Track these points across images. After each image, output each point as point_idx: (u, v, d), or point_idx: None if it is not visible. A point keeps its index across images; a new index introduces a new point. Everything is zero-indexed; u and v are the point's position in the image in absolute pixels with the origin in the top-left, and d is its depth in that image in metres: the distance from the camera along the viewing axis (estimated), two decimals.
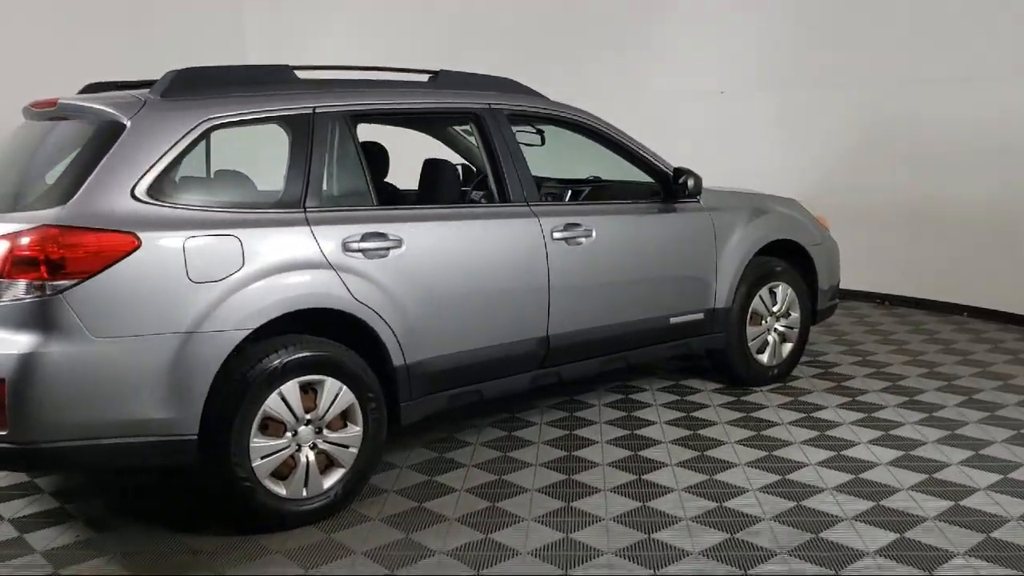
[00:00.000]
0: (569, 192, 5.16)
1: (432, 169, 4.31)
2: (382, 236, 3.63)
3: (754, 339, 5.09)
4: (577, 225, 4.24)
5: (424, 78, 4.20)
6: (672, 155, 8.35)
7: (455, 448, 4.26)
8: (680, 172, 4.60)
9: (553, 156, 5.12)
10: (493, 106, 4.18)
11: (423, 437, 4.37)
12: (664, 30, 8.24)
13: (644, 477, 3.88)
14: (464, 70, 4.30)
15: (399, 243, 3.66)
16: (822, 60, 7.59)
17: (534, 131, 5.01)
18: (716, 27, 8.02)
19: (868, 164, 7.44)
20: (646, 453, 4.17)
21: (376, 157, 4.80)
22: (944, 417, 4.58)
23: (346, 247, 3.53)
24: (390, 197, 4.64)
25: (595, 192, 5.07)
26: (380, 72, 4.11)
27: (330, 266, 3.47)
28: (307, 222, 3.47)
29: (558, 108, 4.45)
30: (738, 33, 7.93)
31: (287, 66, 3.74)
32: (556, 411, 4.74)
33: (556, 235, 4.15)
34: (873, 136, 7.40)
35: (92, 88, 3.93)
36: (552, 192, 5.26)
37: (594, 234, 4.29)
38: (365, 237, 3.58)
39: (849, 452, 4.14)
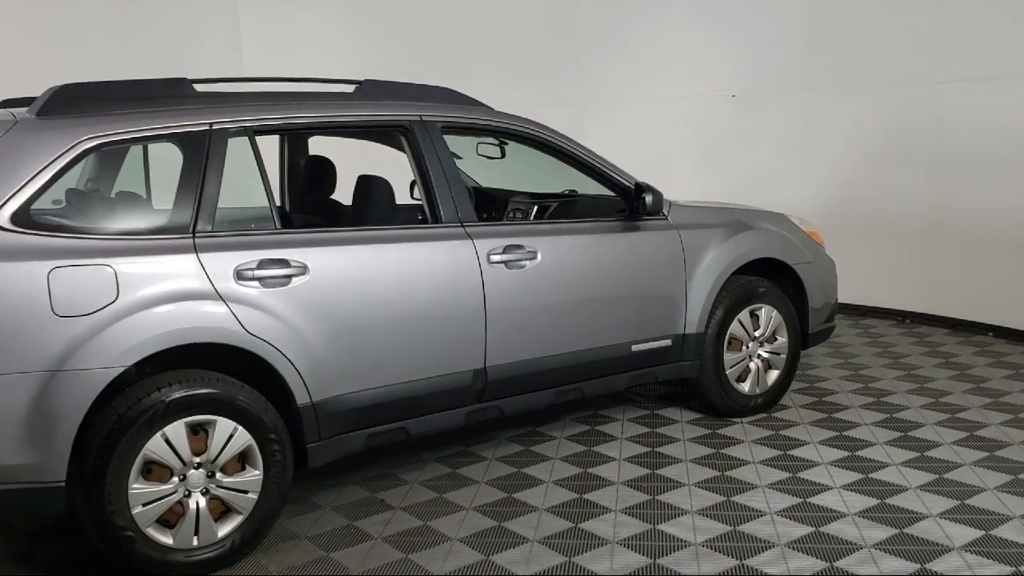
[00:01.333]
0: (535, 208, 4.81)
1: (364, 186, 4.02)
2: (282, 263, 3.33)
3: (733, 366, 4.68)
4: (519, 247, 3.90)
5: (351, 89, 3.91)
6: (679, 164, 8.09)
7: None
8: (639, 188, 4.23)
9: (536, 170, 4.81)
10: (425, 118, 3.86)
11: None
12: (667, 29, 7.83)
13: (580, 525, 3.53)
14: (398, 79, 4.01)
15: (303, 270, 3.36)
16: (838, 60, 7.11)
17: (496, 143, 4.70)
18: (725, 26, 7.59)
19: (888, 172, 6.94)
20: (591, 496, 3.80)
21: (319, 173, 4.54)
22: (936, 458, 4.12)
23: (240, 275, 3.25)
24: (330, 217, 4.36)
25: (561, 208, 4.71)
26: (304, 83, 3.82)
27: (219, 296, 3.19)
28: (195, 248, 3.20)
29: (503, 120, 4.11)
30: (749, 32, 7.48)
31: (184, 79, 3.48)
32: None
33: (494, 258, 3.81)
34: (893, 142, 6.89)
35: (5, 104, 3.72)
36: (519, 208, 4.94)
37: (539, 256, 3.94)
38: (263, 264, 3.29)
39: (818, 499, 3.72)
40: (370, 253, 3.57)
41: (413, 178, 4.90)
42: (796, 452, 4.25)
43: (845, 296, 7.31)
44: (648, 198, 4.18)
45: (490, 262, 3.80)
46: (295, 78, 3.81)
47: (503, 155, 4.78)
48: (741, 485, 3.88)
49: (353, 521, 3.64)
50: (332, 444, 3.50)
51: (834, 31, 7.08)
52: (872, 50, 6.88)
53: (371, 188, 3.99)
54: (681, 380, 4.68)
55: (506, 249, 3.86)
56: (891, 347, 6.22)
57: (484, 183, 5.30)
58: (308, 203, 4.63)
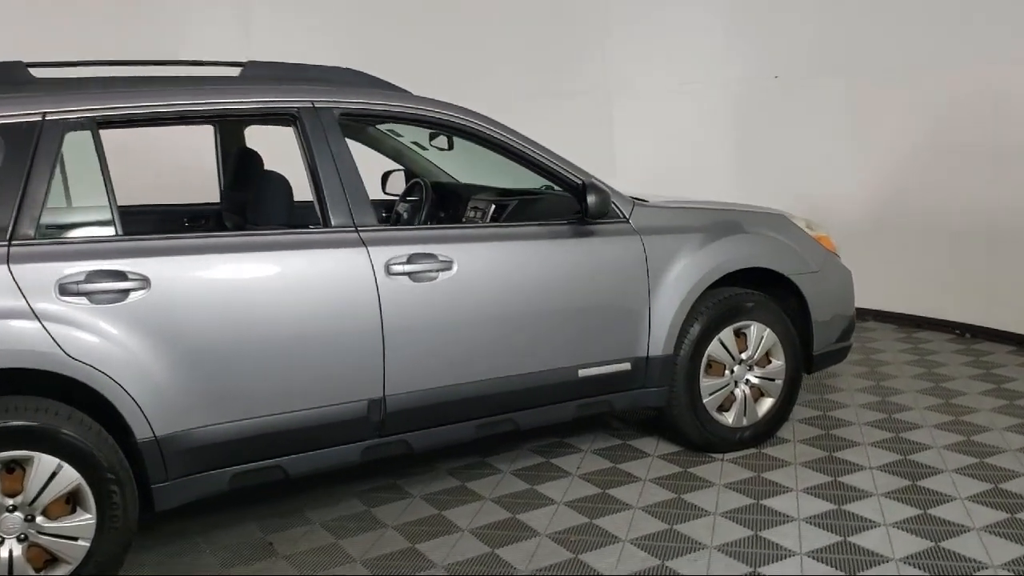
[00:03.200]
0: (492, 207, 4.23)
1: (261, 184, 3.53)
2: (118, 275, 2.87)
3: (713, 394, 4.00)
4: (428, 256, 3.34)
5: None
6: (712, 156, 7.29)
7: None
8: (583, 187, 3.60)
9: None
10: (318, 104, 3.33)
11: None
12: (699, 7, 7.08)
13: None
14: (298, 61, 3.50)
15: (144, 283, 2.89)
16: (888, 38, 6.24)
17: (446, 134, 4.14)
18: (763, 2, 6.79)
19: (943, 165, 6.05)
20: (502, 552, 3.23)
21: (246, 168, 4.07)
22: (939, 518, 3.36)
23: (63, 290, 2.80)
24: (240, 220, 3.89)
25: (520, 208, 4.10)
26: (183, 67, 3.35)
27: (34, 315, 2.75)
28: (7, 259, 2.76)
29: (421, 106, 3.53)
30: (790, 9, 6.67)
31: (19, 62, 3.05)
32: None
33: (395, 269, 3.27)
34: (950, 131, 6.00)
35: None
36: (479, 207, 4.36)
37: (456, 266, 3.37)
38: (91, 277, 2.84)
39: (773, 569, 3.04)
40: (230, 263, 3.07)
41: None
42: (771, 502, 3.56)
43: (897, 305, 6.48)
44: (592, 199, 3.55)
45: (389, 273, 3.26)
46: (170, 61, 3.35)
47: (451, 146, 4.24)
48: (686, 544, 3.23)
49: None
50: (185, 484, 3.03)
51: (882, 6, 6.21)
52: (926, 29, 5.99)
53: (265, 186, 3.50)
54: (655, 409, 4.04)
55: (411, 258, 3.30)
56: (937, 367, 5.37)
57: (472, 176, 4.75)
58: (233, 203, 4.18)
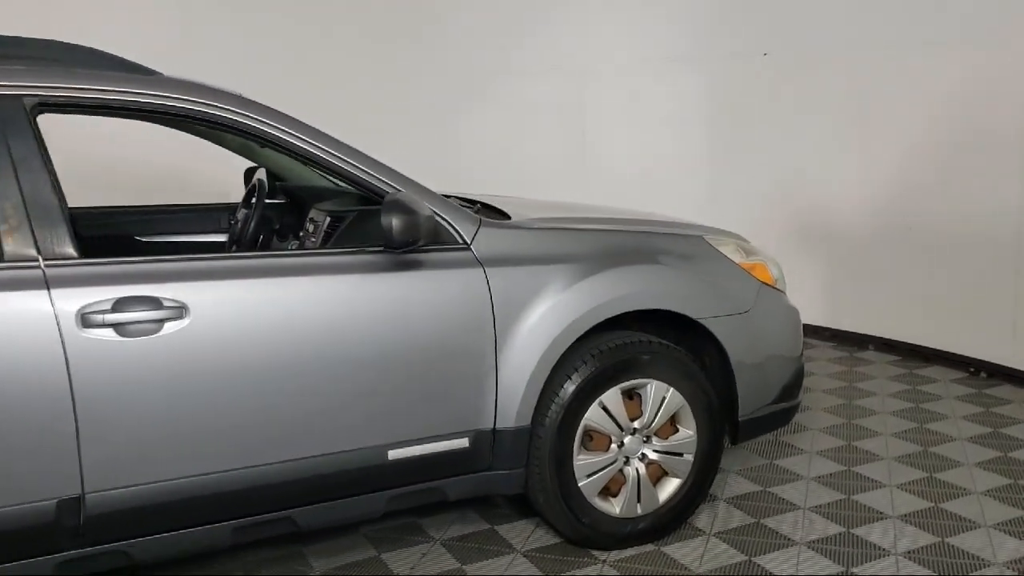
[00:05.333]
0: (327, 222, 3.28)
1: None
2: None
3: (592, 475, 3.02)
4: (148, 300, 2.41)
5: None
6: (693, 147, 6.19)
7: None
8: (384, 205, 2.62)
9: None
10: None
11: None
12: None
13: None
14: None
15: None
16: (900, 7, 5.12)
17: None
18: None
19: (966, 162, 4.93)
20: None
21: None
22: None
23: None
24: None
25: (356, 225, 3.14)
26: None
27: None
28: None
29: (163, 92, 2.57)
30: None
31: None
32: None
33: (94, 319, 2.35)
34: (975, 119, 4.88)
35: None
36: (315, 220, 3.41)
37: (190, 315, 2.44)
38: None
39: None
40: None
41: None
42: None
43: (902, 332, 5.38)
44: (391, 221, 2.57)
45: (85, 325, 2.34)
46: None
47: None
48: None
49: None
50: None
51: None
52: None
53: None
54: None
55: (119, 304, 2.38)
56: (934, 419, 4.28)
57: None
58: None
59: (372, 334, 2.66)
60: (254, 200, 3.62)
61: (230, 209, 3.97)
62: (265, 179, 3.76)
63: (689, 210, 5.49)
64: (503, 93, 6.54)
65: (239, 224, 3.67)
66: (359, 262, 2.69)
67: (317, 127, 2.73)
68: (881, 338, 5.51)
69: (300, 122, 2.69)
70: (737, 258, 3.29)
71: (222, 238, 3.94)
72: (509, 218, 3.08)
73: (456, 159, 6.32)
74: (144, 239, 3.91)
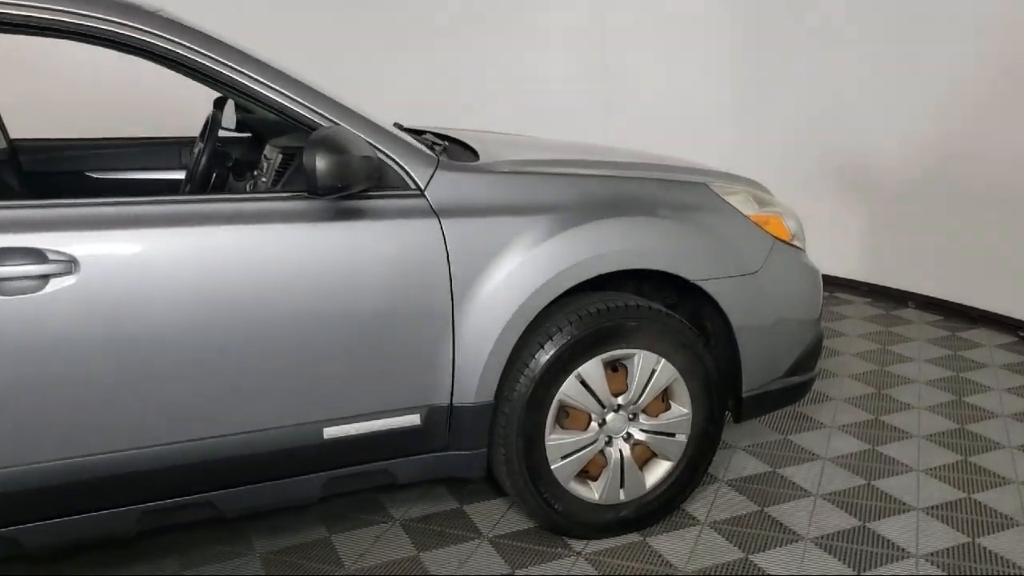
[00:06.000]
0: (279, 159, 2.89)
1: None
2: None
3: (567, 457, 2.64)
4: (30, 253, 2.05)
5: None
6: (720, 80, 5.63)
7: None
8: (313, 142, 2.20)
9: None
10: None
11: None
12: None
13: None
14: None
15: None
16: None
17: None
18: None
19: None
20: None
21: None
22: None
23: None
24: None
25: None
26: None
27: None
28: None
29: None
30: None
31: None
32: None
33: None
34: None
35: None
36: (269, 159, 3.02)
37: (80, 270, 2.08)
38: None
39: None
40: None
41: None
42: None
43: (949, 292, 4.86)
44: (317, 164, 2.15)
45: None
46: None
47: (234, 126, 3.18)
48: None
49: None
50: None
51: None
52: None
53: None
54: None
55: None
56: (975, 391, 3.81)
57: None
58: None
59: (300, 295, 2.27)
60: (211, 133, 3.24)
61: (192, 143, 3.59)
62: (227, 111, 3.36)
63: (716, 147, 5.03)
64: (512, 19, 6.01)
65: (192, 161, 3.30)
66: (286, 210, 2.29)
67: (241, 47, 2.31)
68: (922, 295, 5.02)
69: (213, 39, 2.27)
70: (747, 209, 2.84)
71: (181, 175, 3.58)
72: (475, 160, 2.65)
73: (456, 94, 5.81)
74: (96, 175, 3.56)
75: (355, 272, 2.32)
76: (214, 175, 3.25)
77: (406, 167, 2.40)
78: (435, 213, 2.40)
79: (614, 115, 5.92)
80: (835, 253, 5.20)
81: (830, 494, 2.98)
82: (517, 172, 2.58)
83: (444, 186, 2.43)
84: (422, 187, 2.41)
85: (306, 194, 2.24)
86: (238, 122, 3.40)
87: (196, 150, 3.34)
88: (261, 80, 2.27)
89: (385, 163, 2.36)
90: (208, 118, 3.33)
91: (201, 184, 3.20)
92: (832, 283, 5.37)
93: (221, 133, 3.41)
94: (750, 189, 2.95)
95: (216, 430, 2.26)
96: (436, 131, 3.21)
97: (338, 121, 2.33)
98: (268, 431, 2.31)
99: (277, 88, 2.29)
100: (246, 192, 3.13)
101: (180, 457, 2.24)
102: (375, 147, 2.34)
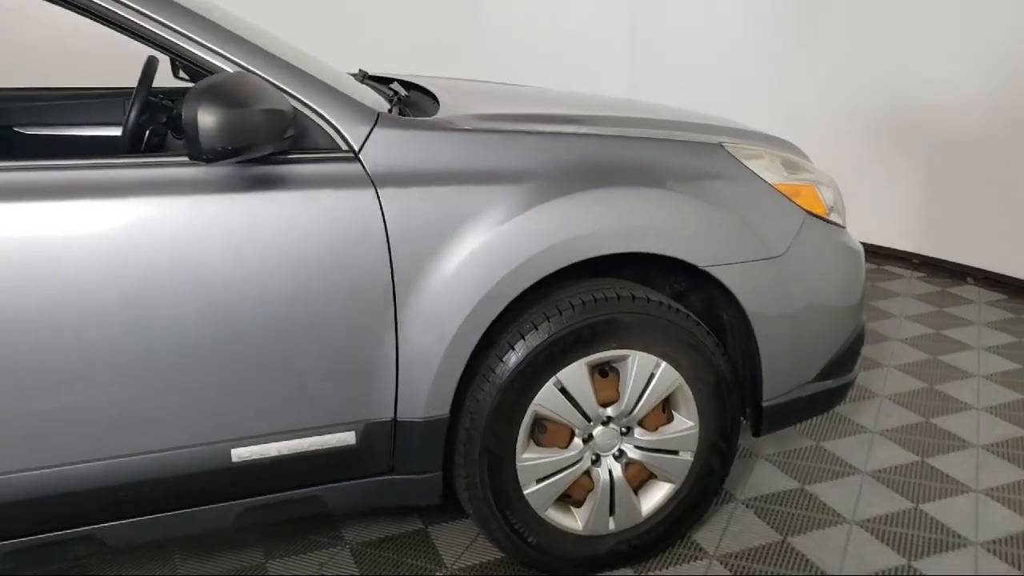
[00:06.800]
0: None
1: None
2: None
3: (543, 480, 2.16)
4: None
5: None
6: (763, 38, 4.99)
7: None
8: (194, 94, 1.70)
9: None
10: None
11: None
12: None
13: None
14: None
15: None
16: None
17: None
18: None
19: None
20: None
21: None
22: None
23: None
24: None
25: None
26: None
27: None
28: None
29: None
30: None
31: None
32: None
33: None
34: None
35: None
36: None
37: None
38: None
39: None
40: None
41: None
42: None
43: (1012, 267, 4.27)
44: (199, 121, 1.66)
45: None
46: None
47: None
48: None
49: None
50: None
51: None
52: None
53: None
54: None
55: None
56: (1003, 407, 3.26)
57: None
58: None
59: (195, 285, 1.80)
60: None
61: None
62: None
63: (758, 107, 4.49)
64: None
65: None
66: (166, 179, 1.80)
67: None
68: (983, 270, 4.43)
69: None
70: (773, 176, 2.30)
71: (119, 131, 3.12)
72: (434, 112, 2.15)
73: (471, 47, 5.29)
74: (28, 132, 3.12)
75: (261, 257, 1.84)
76: (147, 132, 2.78)
77: (335, 123, 1.91)
78: (371, 181, 1.90)
79: (639, 68, 5.35)
80: (883, 220, 4.63)
81: (869, 520, 2.47)
82: (480, 130, 2.07)
83: (385, 147, 1.94)
84: (356, 148, 1.91)
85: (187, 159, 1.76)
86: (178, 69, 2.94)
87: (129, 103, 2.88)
88: (140, 10, 1.78)
89: (307, 118, 1.87)
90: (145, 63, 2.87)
91: (132, 143, 2.74)
92: (879, 255, 4.80)
93: (177, 84, 2.96)
94: (778, 151, 2.41)
95: (92, 454, 1.81)
96: (405, 79, 2.71)
97: (247, 65, 1.84)
98: (157, 454, 1.86)
99: (162, 21, 1.80)
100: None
101: (49, 487, 1.80)
102: (294, 98, 1.86)
